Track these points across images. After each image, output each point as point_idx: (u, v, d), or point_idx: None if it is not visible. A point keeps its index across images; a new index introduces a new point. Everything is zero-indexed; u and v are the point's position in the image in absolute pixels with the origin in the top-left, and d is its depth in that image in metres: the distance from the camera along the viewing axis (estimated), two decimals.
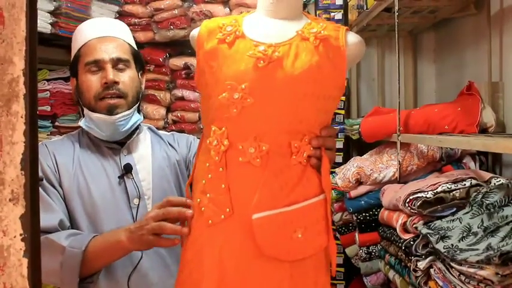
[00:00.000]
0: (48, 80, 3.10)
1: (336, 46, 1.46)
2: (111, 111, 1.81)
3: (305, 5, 3.40)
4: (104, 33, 1.88)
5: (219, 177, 1.42)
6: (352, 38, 1.51)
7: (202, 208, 1.45)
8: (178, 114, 3.59)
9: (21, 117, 1.13)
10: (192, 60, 3.57)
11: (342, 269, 3.35)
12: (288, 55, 1.42)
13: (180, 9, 3.54)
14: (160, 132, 2.08)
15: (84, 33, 1.90)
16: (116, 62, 1.84)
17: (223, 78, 1.43)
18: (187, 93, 3.61)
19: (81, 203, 1.78)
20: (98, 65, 1.83)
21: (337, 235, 3.03)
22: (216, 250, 1.42)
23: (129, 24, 3.57)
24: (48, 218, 1.65)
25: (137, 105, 1.91)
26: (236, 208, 1.40)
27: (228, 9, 3.46)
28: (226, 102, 1.41)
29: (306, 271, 1.45)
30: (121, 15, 3.53)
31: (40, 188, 1.64)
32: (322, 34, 1.45)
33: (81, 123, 1.87)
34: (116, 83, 1.82)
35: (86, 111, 1.86)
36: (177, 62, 3.61)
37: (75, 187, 1.79)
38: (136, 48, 1.97)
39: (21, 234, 1.14)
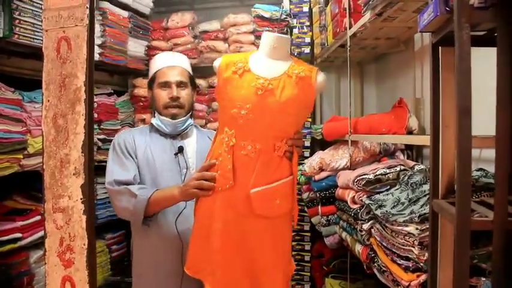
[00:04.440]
0: (95, 95, 3.10)
1: (309, 83, 1.62)
2: (173, 117, 2.03)
3: None
4: (171, 63, 2.10)
5: (226, 161, 1.62)
6: (320, 77, 1.67)
7: (216, 178, 1.65)
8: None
9: (82, 115, 1.17)
10: (200, 81, 3.59)
11: (309, 234, 3.37)
12: (277, 87, 1.59)
13: (192, 44, 3.56)
14: (203, 129, 2.30)
15: (160, 62, 2.12)
16: (179, 83, 2.06)
17: (234, 98, 1.61)
18: (197, 105, 3.58)
19: (148, 170, 1.98)
20: (167, 85, 2.04)
21: (306, 209, 3.05)
22: (223, 207, 1.63)
23: (154, 55, 3.60)
24: (126, 174, 1.90)
25: (191, 112, 2.12)
26: (237, 182, 1.61)
27: (227, 44, 3.49)
28: (236, 115, 1.60)
29: (280, 224, 1.68)
30: (149, 48, 3.54)
31: (123, 156, 1.95)
32: (301, 75, 1.62)
33: (153, 121, 2.08)
34: (178, 97, 2.04)
35: (156, 114, 2.08)
36: None
37: (145, 159, 1.99)
38: (192, 74, 2.18)
39: (81, 199, 1.18)
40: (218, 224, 1.64)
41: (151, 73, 2.13)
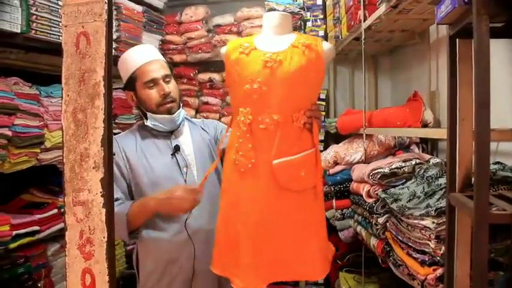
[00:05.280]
0: None
1: (316, 50, 1.61)
2: (170, 112, 1.92)
3: None
4: (149, 58, 1.95)
5: (246, 140, 1.60)
6: (326, 45, 1.66)
7: (236, 162, 1.62)
8: (204, 115, 3.61)
9: (101, 109, 1.18)
10: (214, 75, 3.62)
11: None
12: (286, 58, 1.58)
13: (206, 38, 3.58)
14: (193, 119, 2.18)
15: (135, 59, 1.96)
16: (164, 78, 1.93)
17: (245, 75, 1.60)
18: (211, 99, 3.64)
19: (146, 174, 1.88)
20: (154, 82, 1.91)
21: None
22: (247, 188, 1.60)
23: (168, 49, 3.65)
24: None
25: (181, 104, 2.02)
26: (259, 159, 1.58)
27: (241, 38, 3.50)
28: (249, 91, 1.59)
29: (308, 199, 1.62)
30: (163, 43, 3.58)
31: None
32: (307, 43, 1.61)
33: (147, 122, 1.94)
34: (169, 92, 1.92)
35: (149, 114, 1.94)
36: (204, 76, 3.64)
37: (140, 164, 1.89)
38: (169, 63, 2.06)
39: (101, 192, 1.19)
40: (244, 207, 1.60)
41: (127, 73, 1.96)
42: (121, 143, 1.93)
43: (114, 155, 1.82)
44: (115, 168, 1.86)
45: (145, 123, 1.96)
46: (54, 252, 2.52)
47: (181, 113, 1.99)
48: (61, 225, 2.47)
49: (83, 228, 1.20)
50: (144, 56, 1.96)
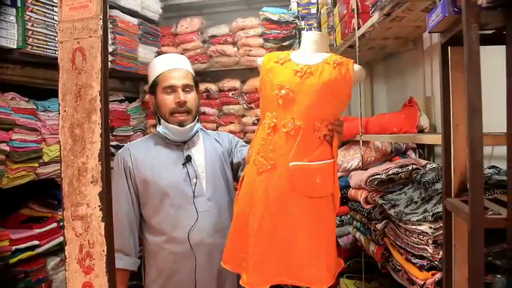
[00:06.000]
0: None
1: (347, 69, 1.67)
2: (181, 124, 1.95)
3: (292, 44, 3.44)
4: (175, 66, 2.00)
5: (268, 142, 1.65)
6: (356, 67, 1.71)
7: (255, 163, 1.67)
8: (201, 125, 3.62)
9: (98, 124, 1.19)
10: (211, 86, 3.63)
11: None
12: (316, 71, 1.65)
13: (201, 49, 3.60)
14: (209, 131, 2.21)
15: (161, 65, 2.02)
16: (184, 87, 1.97)
17: (276, 82, 1.68)
18: (208, 109, 3.65)
19: (154, 183, 1.92)
20: (172, 89, 1.95)
21: None
22: (263, 188, 1.63)
23: None
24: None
25: (198, 117, 2.04)
26: (278, 161, 1.63)
27: (236, 48, 3.52)
28: (276, 96, 1.65)
29: (321, 206, 1.65)
30: (159, 54, 3.58)
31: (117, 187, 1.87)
32: (338, 61, 1.68)
33: (159, 129, 2.00)
34: (185, 102, 1.95)
35: (162, 121, 1.98)
36: (200, 87, 3.62)
37: (150, 173, 1.93)
38: (195, 76, 2.08)
39: (99, 206, 1.21)
40: (258, 207, 1.64)
41: (152, 77, 2.02)
42: (132, 150, 1.98)
43: (112, 168, 1.83)
44: (122, 175, 1.93)
45: (157, 129, 2.00)
46: (54, 266, 2.52)
47: (195, 127, 2.02)
48: (60, 239, 2.48)
49: (82, 242, 1.21)
50: (170, 63, 2.02)
